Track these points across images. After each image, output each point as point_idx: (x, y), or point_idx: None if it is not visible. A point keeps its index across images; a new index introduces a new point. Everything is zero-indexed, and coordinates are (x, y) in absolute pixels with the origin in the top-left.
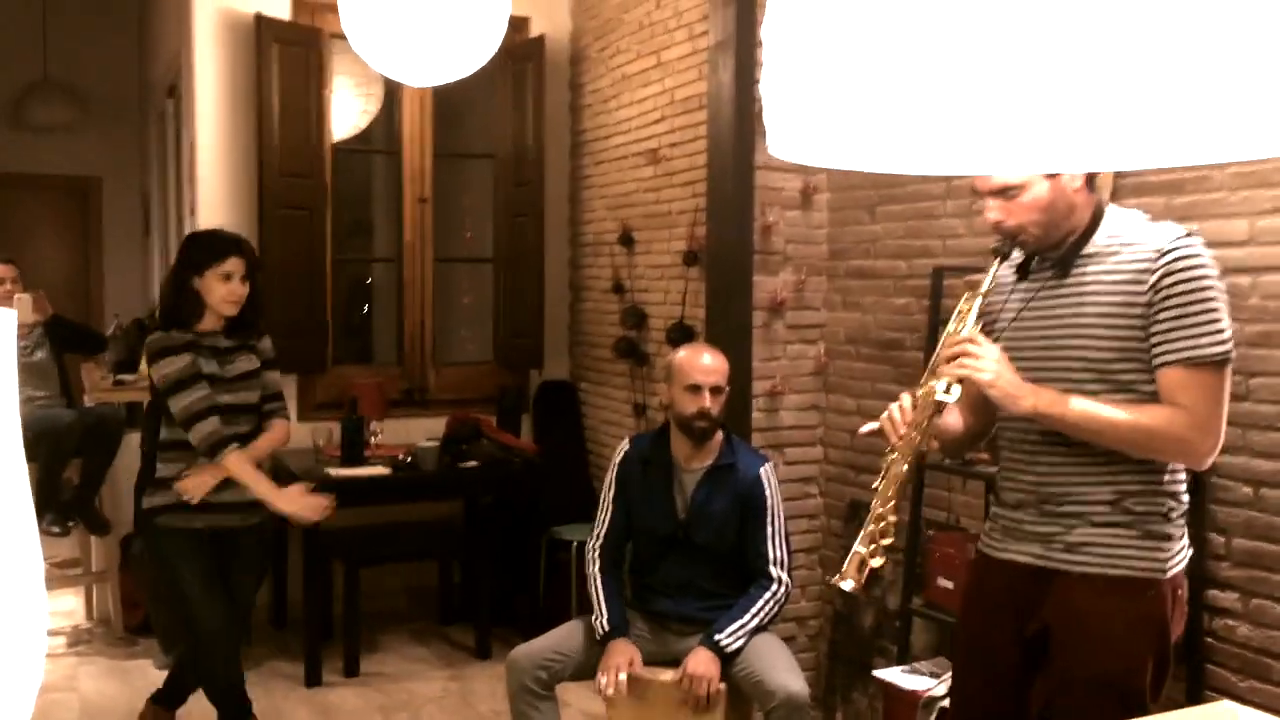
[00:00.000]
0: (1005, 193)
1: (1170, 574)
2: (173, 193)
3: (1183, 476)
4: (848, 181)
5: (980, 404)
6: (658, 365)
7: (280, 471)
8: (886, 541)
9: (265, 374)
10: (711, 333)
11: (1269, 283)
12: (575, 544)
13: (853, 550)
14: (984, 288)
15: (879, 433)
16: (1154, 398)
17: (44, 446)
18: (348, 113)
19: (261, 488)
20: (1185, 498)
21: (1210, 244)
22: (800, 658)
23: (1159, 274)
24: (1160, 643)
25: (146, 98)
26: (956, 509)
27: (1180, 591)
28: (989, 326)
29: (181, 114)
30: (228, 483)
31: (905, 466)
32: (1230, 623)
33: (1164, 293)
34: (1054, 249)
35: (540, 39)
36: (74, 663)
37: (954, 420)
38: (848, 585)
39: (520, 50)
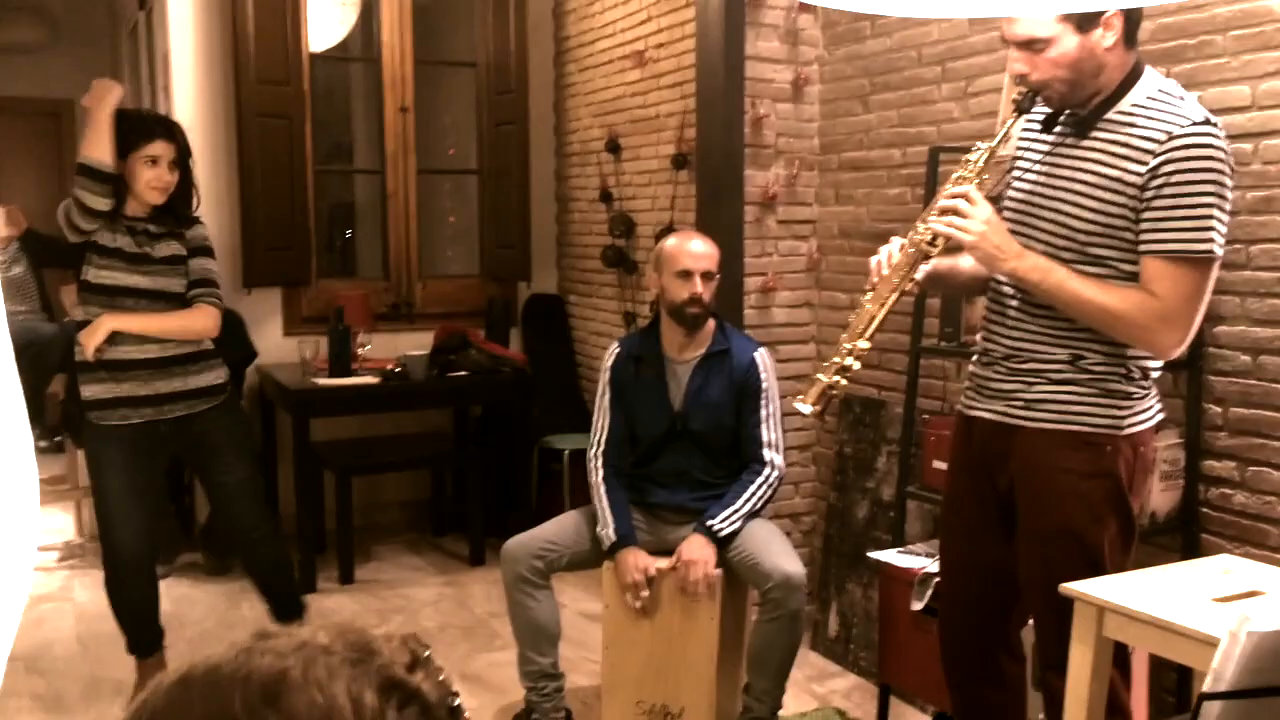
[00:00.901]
0: (1032, 45)
1: (1128, 431)
2: (148, 107)
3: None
4: (839, 72)
5: None
6: (647, 272)
7: (268, 384)
8: (853, 365)
9: (193, 260)
10: (702, 230)
11: (1270, 147)
12: (567, 453)
13: (816, 375)
14: (996, 139)
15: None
16: (1131, 278)
17: (26, 361)
18: (326, 22)
19: (151, 323)
20: (1153, 369)
21: (1212, 112)
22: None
23: (1161, 159)
24: (1118, 499)
25: (117, 14)
26: (951, 397)
27: (1142, 449)
28: (1010, 175)
29: (153, 25)
30: (169, 371)
31: (882, 304)
32: (1226, 491)
33: (1161, 179)
34: (1080, 107)
35: None
36: (67, 575)
37: (971, 264)
38: (806, 409)
39: None
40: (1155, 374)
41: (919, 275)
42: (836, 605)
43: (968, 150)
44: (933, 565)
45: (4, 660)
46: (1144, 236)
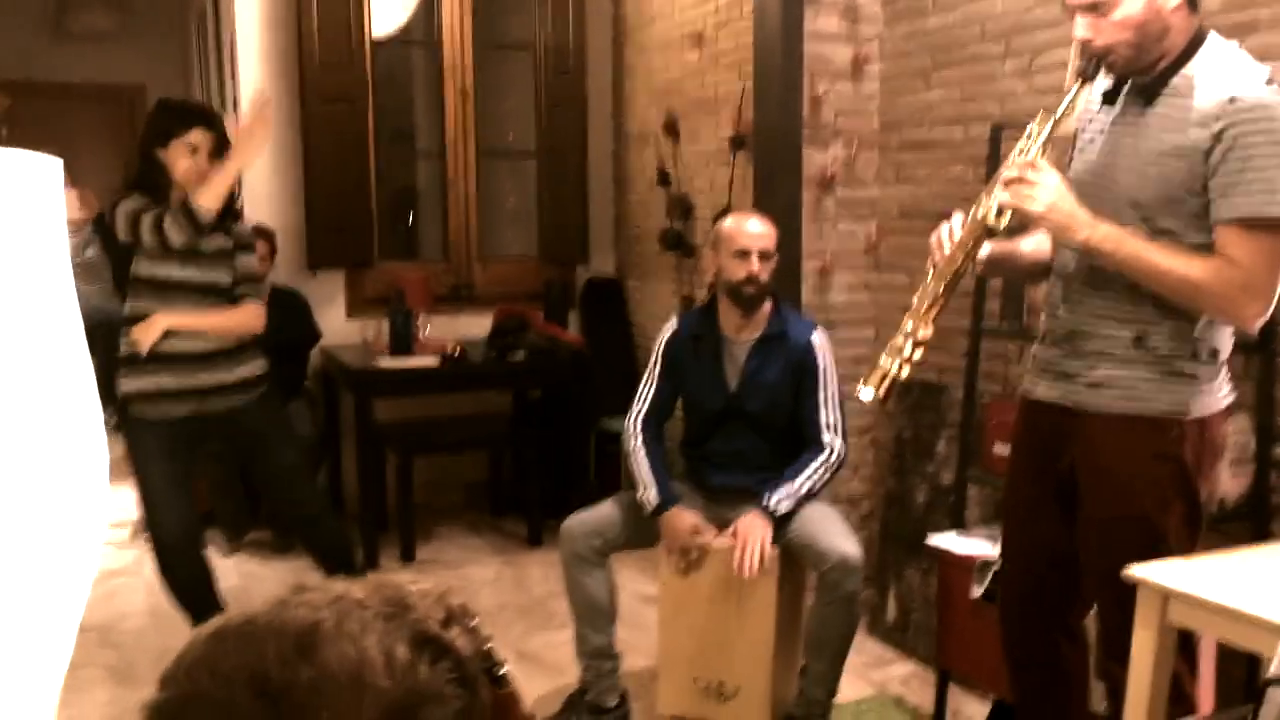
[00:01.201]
0: (1096, 8)
1: (1194, 415)
2: (215, 93)
3: (1225, 332)
4: (900, 49)
5: None
6: (704, 253)
7: (331, 365)
8: (916, 356)
9: (241, 257)
10: (759, 211)
11: None
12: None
13: (879, 362)
14: (1060, 110)
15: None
16: (1196, 250)
17: (99, 339)
18: (388, 8)
19: (205, 321)
20: (1223, 341)
21: None
22: None
23: (1226, 121)
24: (1184, 484)
25: (188, 2)
26: (1013, 381)
27: (1209, 434)
28: (1074, 150)
29: (221, 12)
30: (212, 363)
31: (942, 286)
32: None
33: (1226, 142)
34: (1143, 74)
35: None
36: (138, 553)
37: (1034, 246)
38: (866, 394)
39: None
40: (1224, 354)
41: (982, 254)
42: (895, 591)
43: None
44: (992, 551)
45: (75, 631)
46: (1215, 204)
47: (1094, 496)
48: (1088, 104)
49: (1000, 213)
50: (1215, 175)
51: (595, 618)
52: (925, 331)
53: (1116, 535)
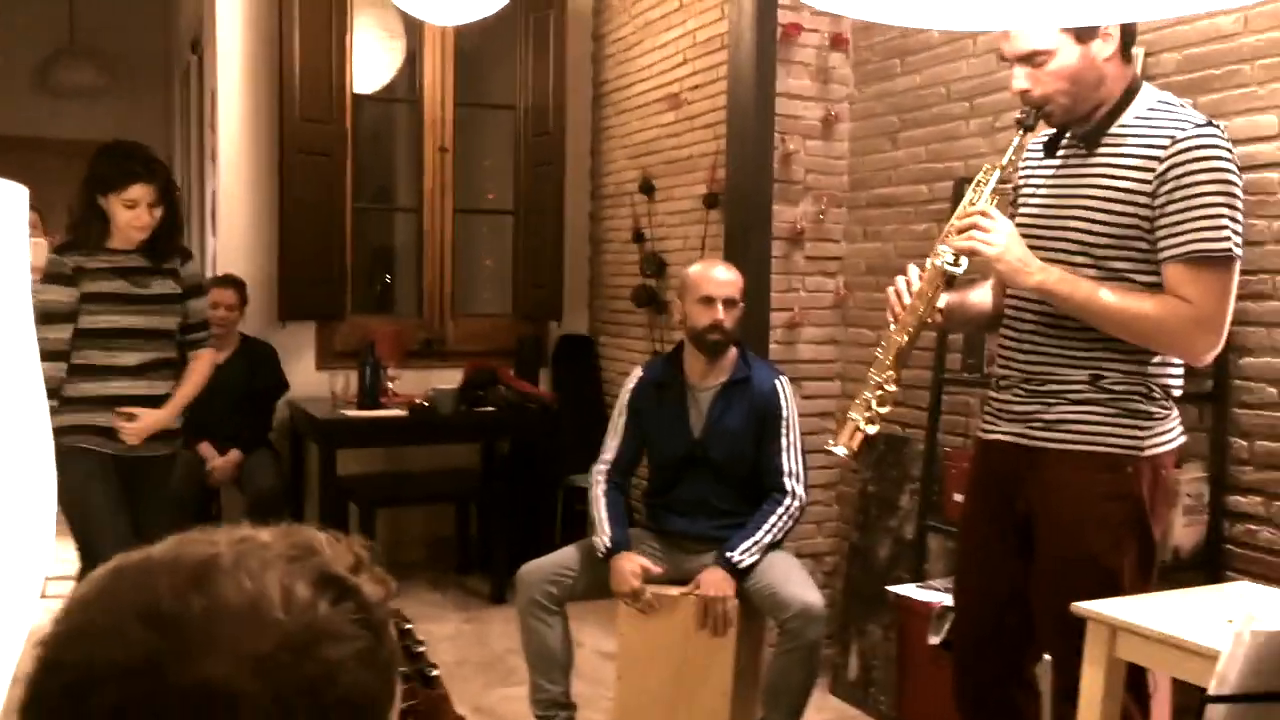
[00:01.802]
0: (1032, 59)
1: (1149, 453)
2: (194, 145)
3: (1175, 369)
4: (869, 109)
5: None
6: (672, 299)
7: (298, 416)
8: (883, 410)
9: (189, 302)
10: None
11: None
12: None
13: (848, 417)
14: (1005, 159)
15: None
16: (1148, 289)
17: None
18: (371, 66)
19: (187, 392)
20: (1174, 380)
21: (1239, 140)
22: None
23: (1168, 164)
24: (1138, 523)
25: (171, 58)
26: (973, 432)
27: (1163, 472)
28: (1016, 202)
29: (204, 65)
30: (140, 407)
31: (906, 338)
32: (1252, 528)
33: (1170, 183)
34: (1082, 123)
35: None
36: None
37: (981, 298)
38: (840, 450)
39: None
40: (1177, 393)
41: (941, 304)
42: (857, 647)
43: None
44: (951, 599)
45: (6, 684)
46: (1162, 244)
47: (1049, 536)
48: (1029, 156)
49: (957, 259)
50: (1161, 215)
51: (550, 668)
52: (891, 385)
53: (1070, 576)
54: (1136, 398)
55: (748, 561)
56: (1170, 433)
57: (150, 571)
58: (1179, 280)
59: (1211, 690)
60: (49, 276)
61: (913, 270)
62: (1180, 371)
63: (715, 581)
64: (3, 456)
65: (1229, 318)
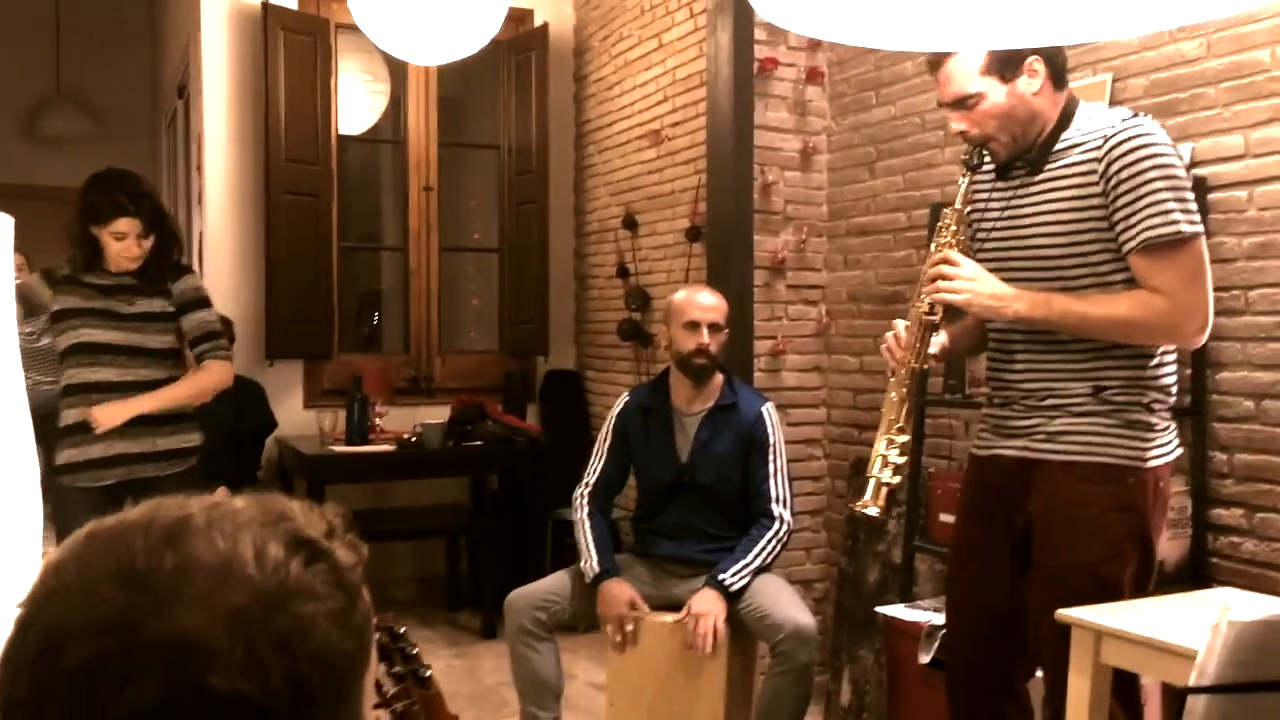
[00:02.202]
0: (964, 103)
1: (1151, 464)
2: (182, 189)
3: (1169, 370)
4: (846, 140)
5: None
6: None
7: (286, 454)
8: (900, 460)
9: (190, 315)
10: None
11: (1264, 194)
12: None
13: (870, 476)
14: (957, 202)
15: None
16: (1123, 286)
17: (49, 429)
18: (356, 108)
19: (172, 395)
20: (1171, 390)
21: (1206, 161)
22: None
23: (1105, 163)
24: (1140, 534)
25: (158, 104)
26: (957, 454)
27: (1162, 484)
28: (975, 235)
29: (190, 109)
30: (138, 432)
31: (905, 389)
32: (1235, 539)
33: (1113, 180)
34: (1027, 151)
35: (543, 28)
36: None
37: (966, 327)
38: (873, 511)
39: (523, 41)
40: (1172, 402)
41: (934, 350)
42: (849, 673)
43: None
44: (939, 618)
45: None
46: (1121, 240)
47: (1049, 547)
48: (983, 187)
49: (933, 308)
50: (1114, 212)
51: (540, 694)
52: (902, 436)
53: (1070, 587)
54: (1137, 409)
55: (738, 584)
56: (1170, 444)
57: (124, 534)
58: (1144, 272)
59: (1192, 682)
60: (42, 273)
61: (899, 324)
62: (1175, 374)
63: (706, 602)
64: None
65: (1209, 295)
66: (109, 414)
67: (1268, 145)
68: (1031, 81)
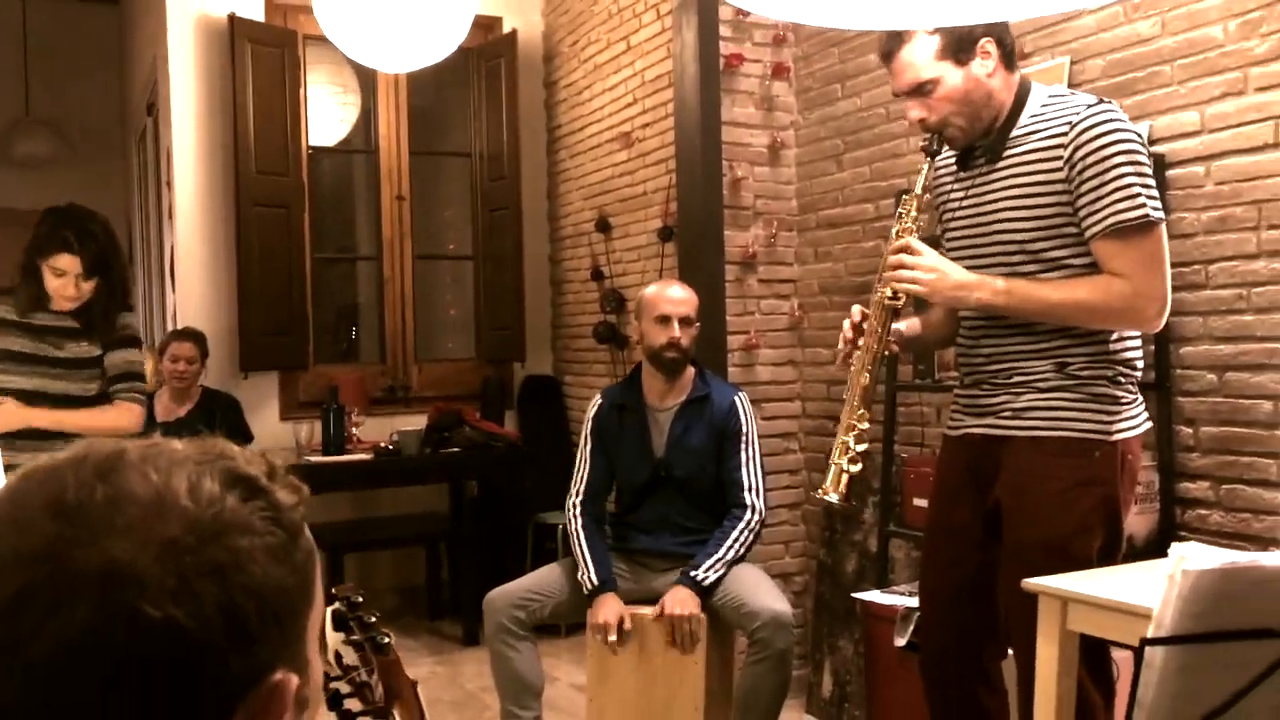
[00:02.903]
0: (921, 90)
1: (1117, 437)
2: (153, 205)
3: (1133, 344)
4: (813, 134)
5: None
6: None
7: None
8: (861, 448)
9: (114, 353)
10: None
11: (1221, 168)
12: (561, 529)
13: (831, 464)
14: (918, 188)
15: (849, 352)
16: (1088, 272)
17: None
18: (327, 120)
19: (69, 419)
20: (1136, 364)
21: (1164, 139)
22: None
23: (1071, 148)
24: (1108, 508)
25: (127, 124)
26: (930, 441)
27: (1130, 457)
28: (941, 220)
29: (159, 125)
30: (26, 445)
31: (867, 376)
32: (1203, 512)
33: (1078, 166)
34: (984, 137)
35: (512, 34)
36: None
37: (937, 318)
38: (833, 498)
39: (492, 48)
40: (1138, 373)
41: (892, 335)
42: (830, 665)
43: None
44: (915, 601)
45: None
46: (1085, 224)
47: (1018, 523)
48: (944, 177)
49: (895, 294)
50: (1078, 198)
51: (520, 693)
52: (865, 423)
53: (1039, 562)
54: (1102, 382)
55: (712, 578)
56: (1137, 417)
57: (56, 470)
58: (1107, 256)
59: (1150, 634)
60: None
61: (855, 310)
62: (1139, 346)
63: (681, 600)
64: None
65: (1168, 280)
66: (3, 414)
67: (1223, 120)
68: (985, 63)
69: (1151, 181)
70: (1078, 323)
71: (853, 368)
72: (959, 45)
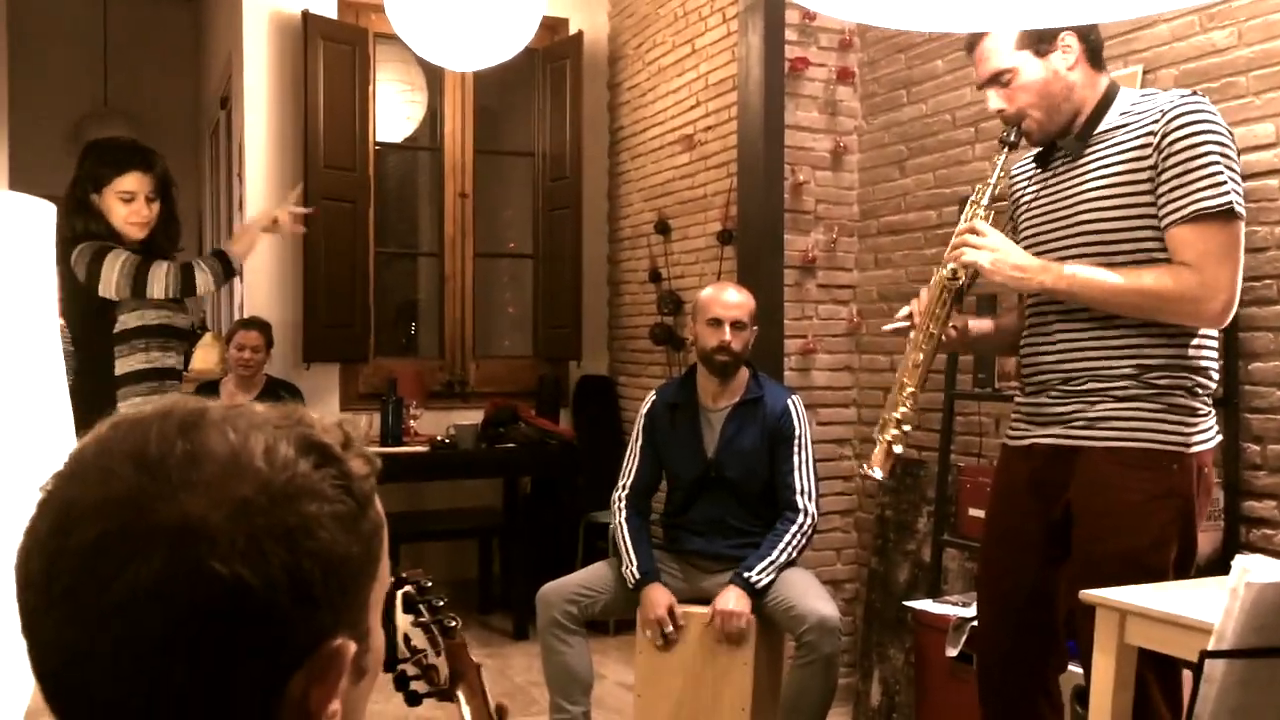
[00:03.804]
0: (999, 79)
1: (1194, 449)
2: (224, 197)
3: (1210, 351)
4: (877, 139)
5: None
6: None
7: None
8: (907, 427)
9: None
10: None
11: None
12: (611, 528)
13: (876, 439)
14: (993, 176)
15: (905, 328)
16: (1167, 263)
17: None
18: (394, 117)
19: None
20: (1213, 373)
21: (1239, 151)
22: None
23: (1161, 135)
24: (1184, 521)
25: (201, 116)
26: (987, 451)
27: (1206, 470)
28: (1017, 220)
29: (232, 119)
30: None
31: (921, 355)
32: (1268, 532)
33: (1166, 152)
34: (1064, 134)
35: (578, 36)
36: None
37: (1009, 321)
38: (877, 473)
39: (558, 49)
40: (1213, 386)
41: (957, 323)
42: (879, 673)
43: (999, 199)
44: (967, 612)
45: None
46: (1165, 210)
47: (1089, 536)
48: (1022, 176)
49: (955, 273)
50: (1161, 184)
51: (570, 688)
52: (911, 402)
53: (1111, 574)
54: (1180, 393)
55: (764, 581)
56: (1211, 430)
57: (142, 422)
58: (1180, 244)
59: (1211, 646)
60: (99, 252)
61: (923, 292)
62: (1216, 357)
63: (732, 600)
64: (28, 466)
65: (1239, 277)
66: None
67: None
68: (1065, 57)
69: (1239, 175)
70: (1141, 312)
71: (908, 347)
72: (1040, 36)
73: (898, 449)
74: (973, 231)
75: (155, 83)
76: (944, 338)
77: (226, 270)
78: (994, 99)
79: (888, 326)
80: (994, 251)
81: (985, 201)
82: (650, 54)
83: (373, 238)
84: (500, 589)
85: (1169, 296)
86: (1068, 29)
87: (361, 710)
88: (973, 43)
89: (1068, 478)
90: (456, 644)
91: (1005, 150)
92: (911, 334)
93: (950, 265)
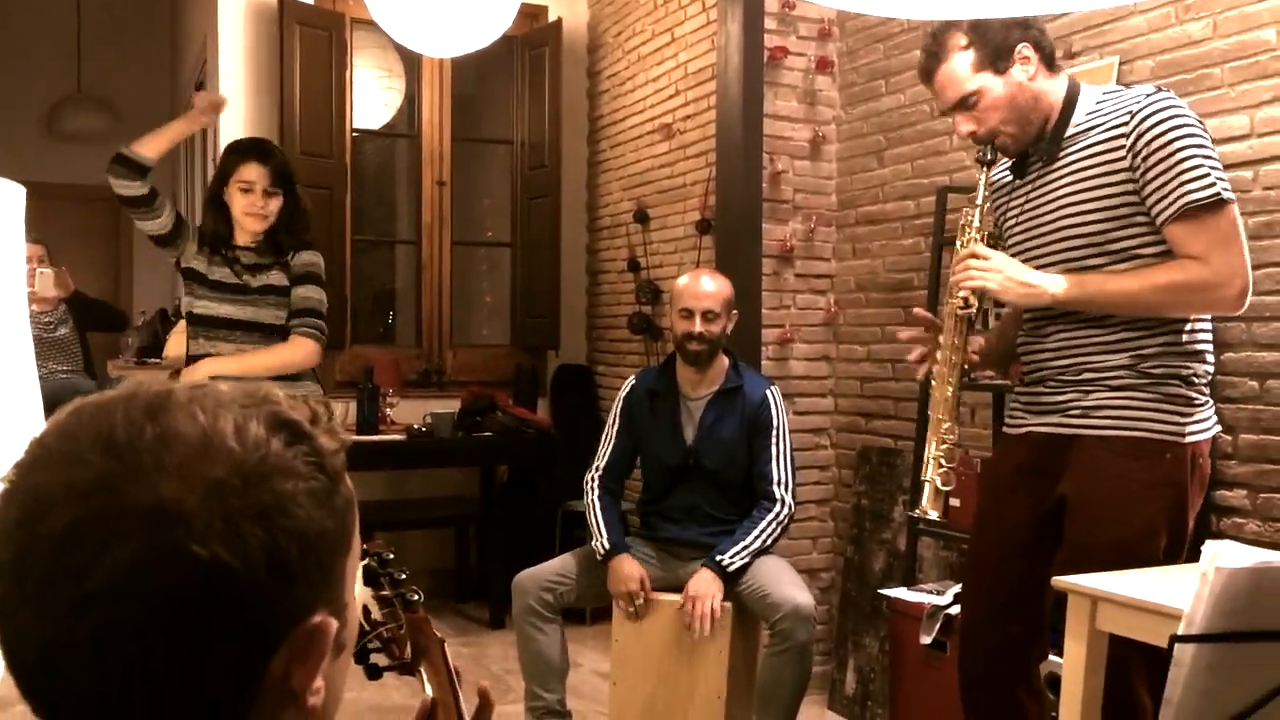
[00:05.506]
0: (966, 103)
1: (1189, 439)
2: (200, 183)
3: (1204, 338)
4: (855, 129)
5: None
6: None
7: None
8: (951, 464)
9: (296, 289)
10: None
11: (1270, 173)
12: None
13: (925, 480)
14: (978, 199)
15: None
16: (1159, 260)
17: None
18: (371, 104)
19: (250, 363)
20: (1209, 360)
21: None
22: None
23: (1134, 136)
24: (1176, 510)
25: (176, 102)
26: (964, 440)
27: (1202, 460)
28: (1002, 231)
29: None
30: None
31: (950, 388)
32: (1239, 520)
33: (1143, 153)
34: (1037, 141)
35: (557, 23)
36: None
37: (1005, 327)
38: (933, 515)
39: (537, 37)
40: (1210, 374)
41: (974, 347)
42: (853, 661)
43: (969, 198)
44: (941, 600)
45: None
46: (1155, 211)
47: (1084, 522)
48: (1001, 186)
49: (966, 301)
50: (1146, 186)
51: (545, 676)
52: (951, 437)
53: (1102, 562)
54: (1176, 382)
55: (736, 565)
56: (1208, 420)
57: (106, 406)
58: (1181, 239)
59: (1181, 631)
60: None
61: (915, 318)
62: (1210, 345)
63: (702, 583)
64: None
65: (1247, 259)
66: (188, 376)
67: (1272, 124)
68: (1026, 68)
69: (1219, 163)
70: (1160, 311)
71: (934, 382)
72: (996, 54)
73: (947, 487)
74: (974, 256)
75: (130, 68)
76: (965, 364)
77: (124, 164)
78: (962, 123)
79: (919, 373)
80: (1000, 272)
81: (977, 223)
82: (629, 42)
83: (350, 225)
84: (477, 578)
85: (1187, 287)
86: (1021, 41)
87: (342, 685)
88: (929, 71)
89: (1062, 467)
90: (419, 618)
91: (984, 170)
92: (935, 369)
93: (960, 293)
